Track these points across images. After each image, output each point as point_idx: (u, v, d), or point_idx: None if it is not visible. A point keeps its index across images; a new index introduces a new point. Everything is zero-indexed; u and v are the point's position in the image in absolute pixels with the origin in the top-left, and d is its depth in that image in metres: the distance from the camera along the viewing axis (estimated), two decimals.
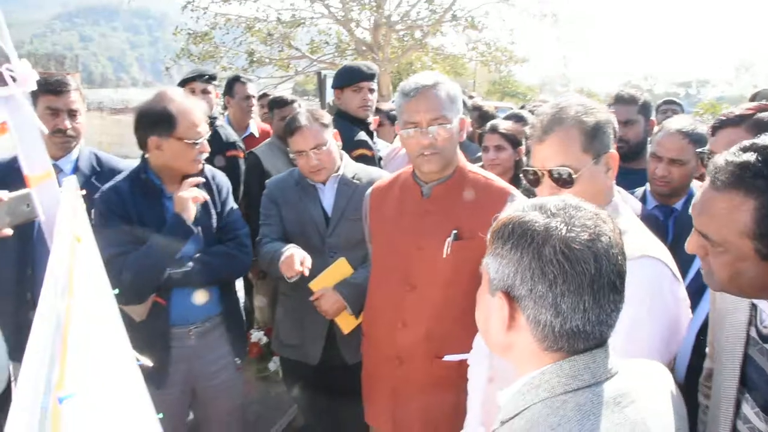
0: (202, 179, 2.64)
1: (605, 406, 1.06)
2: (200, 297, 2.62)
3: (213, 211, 2.73)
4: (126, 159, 3.35)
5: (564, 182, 1.77)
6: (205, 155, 2.63)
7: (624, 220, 1.81)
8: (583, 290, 1.05)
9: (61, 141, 2.86)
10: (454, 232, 2.25)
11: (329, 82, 9.82)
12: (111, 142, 19.75)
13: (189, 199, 2.50)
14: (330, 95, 8.39)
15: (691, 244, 1.43)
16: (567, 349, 1.10)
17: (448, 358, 2.32)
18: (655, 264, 1.71)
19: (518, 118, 4.21)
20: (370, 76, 3.80)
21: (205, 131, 2.60)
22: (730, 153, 1.34)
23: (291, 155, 3.00)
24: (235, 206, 2.88)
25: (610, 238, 1.09)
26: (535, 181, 1.85)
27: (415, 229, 2.35)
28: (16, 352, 2.77)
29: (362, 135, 3.72)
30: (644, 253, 1.70)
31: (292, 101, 4.43)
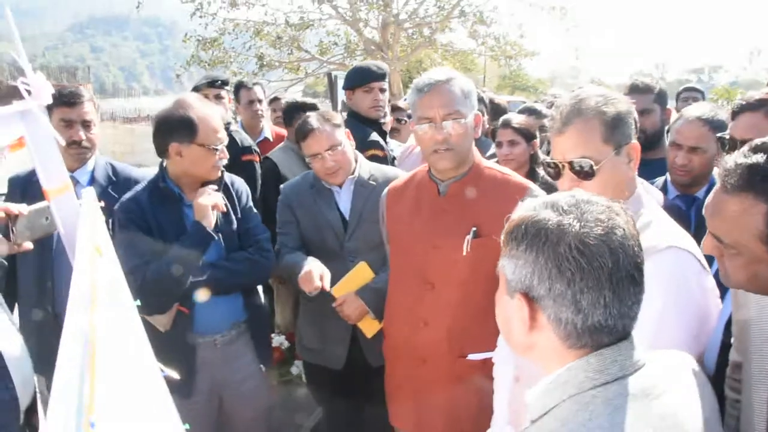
0: (220, 195, 2.62)
1: (634, 399, 1.06)
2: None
3: (233, 217, 2.72)
4: (140, 168, 3.36)
5: (585, 174, 1.74)
6: (225, 161, 2.62)
7: (648, 212, 1.78)
8: (602, 285, 1.05)
9: (76, 152, 2.88)
10: (474, 229, 2.22)
11: (340, 83, 9.79)
12: (124, 151, 19.89)
13: (209, 206, 2.49)
14: (342, 96, 8.39)
15: (706, 246, 1.42)
16: (591, 345, 1.09)
17: (472, 356, 2.29)
18: (682, 255, 1.67)
19: (531, 112, 4.17)
20: (381, 76, 3.77)
21: (224, 137, 2.59)
22: (739, 154, 1.31)
23: (307, 159, 2.96)
24: (255, 211, 2.86)
25: (624, 230, 1.08)
26: (556, 173, 1.82)
27: (431, 228, 2.33)
28: (39, 365, 2.78)
29: (374, 135, 3.68)
30: (670, 244, 1.67)
31: (313, 104, 4.39)
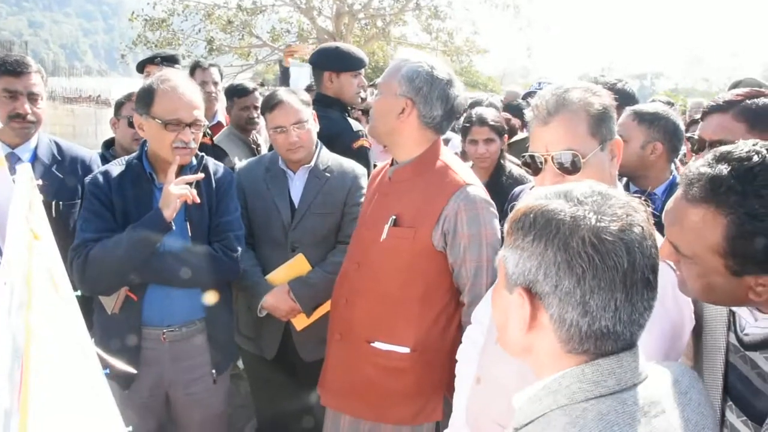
0: (201, 176, 2.46)
1: (631, 416, 0.96)
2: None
3: (206, 208, 2.53)
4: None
5: (569, 169, 1.65)
6: (193, 145, 2.41)
7: None
8: (615, 286, 0.96)
9: (20, 127, 2.65)
10: (393, 217, 2.23)
11: (293, 71, 9.62)
12: (64, 132, 19.15)
13: (176, 197, 2.30)
14: (298, 83, 8.19)
15: (663, 252, 1.35)
16: (593, 351, 1.00)
17: (376, 345, 2.30)
18: (662, 267, 1.59)
19: (473, 105, 4.24)
20: (366, 64, 3.65)
21: (190, 118, 2.38)
22: (703, 162, 1.26)
23: (270, 131, 2.88)
24: (237, 205, 2.67)
25: (643, 228, 0.99)
26: (536, 168, 1.73)
27: (372, 210, 2.39)
28: None
29: (357, 125, 3.55)
30: None
31: (254, 89, 4.25)
